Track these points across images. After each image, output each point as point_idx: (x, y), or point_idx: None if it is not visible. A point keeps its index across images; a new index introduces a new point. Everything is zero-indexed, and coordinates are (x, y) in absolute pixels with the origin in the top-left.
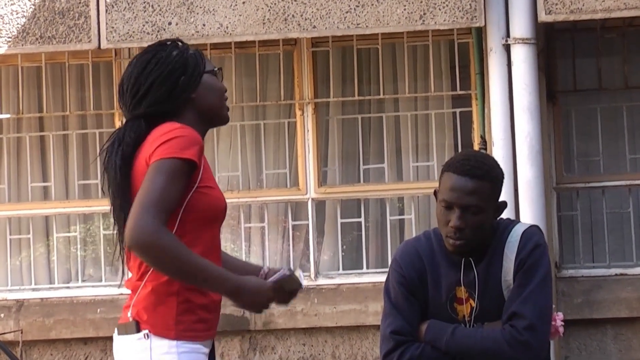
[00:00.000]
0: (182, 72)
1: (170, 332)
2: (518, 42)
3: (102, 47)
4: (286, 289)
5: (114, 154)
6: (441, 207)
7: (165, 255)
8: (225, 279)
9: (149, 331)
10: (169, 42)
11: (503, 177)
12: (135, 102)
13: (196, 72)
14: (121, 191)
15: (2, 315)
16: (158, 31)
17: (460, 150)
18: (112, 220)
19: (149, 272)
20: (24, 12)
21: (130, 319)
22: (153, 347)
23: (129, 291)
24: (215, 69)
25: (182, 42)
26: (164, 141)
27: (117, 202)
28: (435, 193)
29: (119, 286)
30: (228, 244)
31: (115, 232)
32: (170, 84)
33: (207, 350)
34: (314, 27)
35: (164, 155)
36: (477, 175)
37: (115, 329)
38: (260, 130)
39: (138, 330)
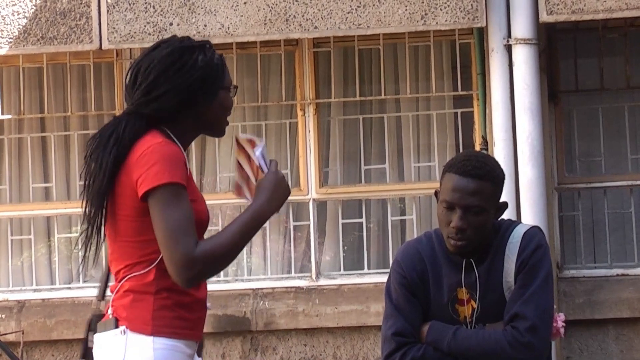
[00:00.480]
0: (200, 87)
1: (147, 327)
2: (519, 43)
3: (103, 47)
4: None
5: (107, 152)
6: (442, 207)
7: (218, 263)
8: (256, 211)
9: (126, 327)
10: (196, 44)
11: (504, 178)
12: (144, 100)
13: (214, 87)
14: (103, 192)
15: (4, 315)
16: (159, 32)
17: (461, 150)
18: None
19: (128, 276)
20: (26, 12)
21: (110, 317)
22: (129, 342)
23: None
24: (232, 86)
25: (210, 44)
26: (149, 167)
27: (95, 204)
28: (436, 194)
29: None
30: None
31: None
32: (185, 97)
33: (189, 351)
34: (316, 27)
35: (155, 183)
36: (479, 175)
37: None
38: (262, 130)
39: (116, 327)
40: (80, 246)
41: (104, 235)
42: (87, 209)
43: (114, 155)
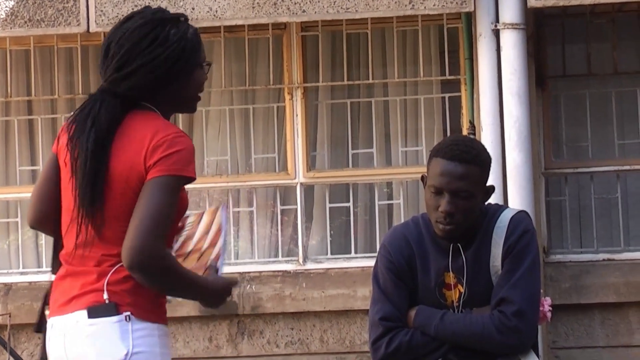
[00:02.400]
0: (175, 61)
1: (151, 315)
2: (507, 28)
3: (91, 30)
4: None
5: (86, 137)
6: (430, 192)
7: (166, 279)
8: (208, 287)
9: (131, 313)
10: (169, 17)
11: (491, 161)
12: (117, 76)
13: (190, 64)
14: (90, 178)
15: None
16: None
17: (449, 135)
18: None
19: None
20: None
21: (107, 301)
22: (134, 329)
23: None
24: (206, 63)
25: (185, 17)
26: (169, 153)
27: (83, 188)
28: (422, 178)
29: None
30: None
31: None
32: (159, 74)
33: None
34: (304, 11)
35: (170, 172)
36: (466, 159)
37: (68, 313)
38: (249, 114)
39: (117, 312)
40: (77, 231)
41: (97, 217)
42: (79, 193)
43: (93, 140)
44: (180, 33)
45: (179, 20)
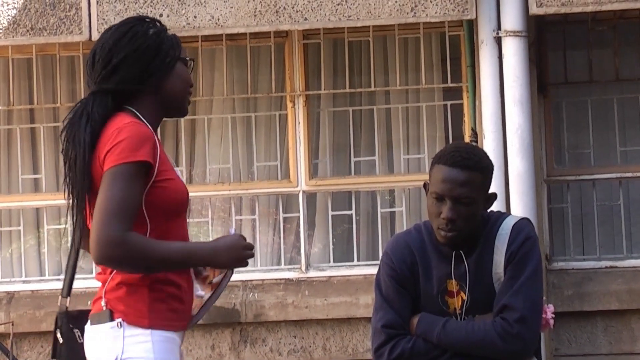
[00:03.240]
0: (156, 53)
1: (144, 320)
2: (509, 35)
3: (93, 38)
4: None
5: (83, 130)
6: (432, 199)
7: (137, 260)
8: (199, 249)
9: (122, 319)
10: (147, 19)
11: (493, 168)
12: (105, 73)
13: (170, 55)
14: (86, 170)
15: None
16: None
17: (451, 142)
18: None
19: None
20: (15, 3)
21: (104, 309)
22: (126, 335)
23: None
24: (189, 58)
25: (160, 22)
26: (114, 144)
27: (78, 180)
28: (425, 185)
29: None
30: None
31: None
32: (142, 63)
33: (179, 342)
34: (305, 19)
35: (117, 161)
36: (468, 166)
37: (88, 321)
38: (251, 122)
39: (111, 319)
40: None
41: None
42: (71, 193)
43: (89, 132)
44: (158, 30)
45: (156, 22)
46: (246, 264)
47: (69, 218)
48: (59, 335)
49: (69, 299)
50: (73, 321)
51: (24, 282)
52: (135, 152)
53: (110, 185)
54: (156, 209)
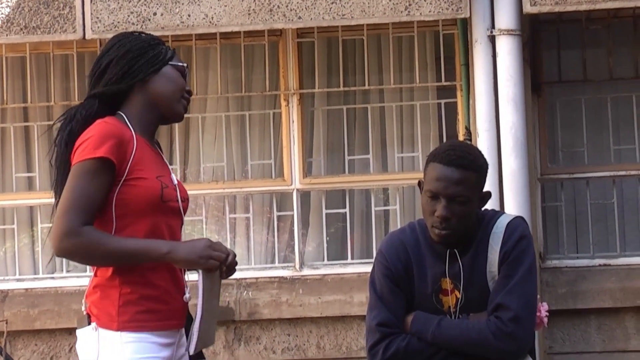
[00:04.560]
0: (141, 54)
1: (112, 323)
2: (503, 34)
3: (86, 37)
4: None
5: (63, 130)
6: (427, 197)
7: (91, 252)
8: (156, 243)
9: (96, 324)
10: (143, 34)
11: (487, 167)
12: (94, 81)
13: (157, 59)
14: (64, 169)
15: None
16: (143, 21)
17: (445, 141)
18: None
19: (96, 268)
20: (9, 1)
21: (84, 313)
22: (101, 338)
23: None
24: (182, 64)
25: (156, 36)
26: (81, 142)
27: (59, 180)
28: (419, 184)
29: None
30: (213, 235)
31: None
32: (125, 63)
33: (165, 341)
34: (299, 17)
35: (79, 158)
36: (463, 165)
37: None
38: (245, 121)
39: (89, 323)
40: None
41: None
42: (54, 189)
43: (68, 131)
44: (149, 39)
45: (150, 34)
46: (211, 265)
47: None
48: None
49: None
50: None
51: (17, 280)
52: (95, 149)
53: (71, 181)
54: (125, 207)
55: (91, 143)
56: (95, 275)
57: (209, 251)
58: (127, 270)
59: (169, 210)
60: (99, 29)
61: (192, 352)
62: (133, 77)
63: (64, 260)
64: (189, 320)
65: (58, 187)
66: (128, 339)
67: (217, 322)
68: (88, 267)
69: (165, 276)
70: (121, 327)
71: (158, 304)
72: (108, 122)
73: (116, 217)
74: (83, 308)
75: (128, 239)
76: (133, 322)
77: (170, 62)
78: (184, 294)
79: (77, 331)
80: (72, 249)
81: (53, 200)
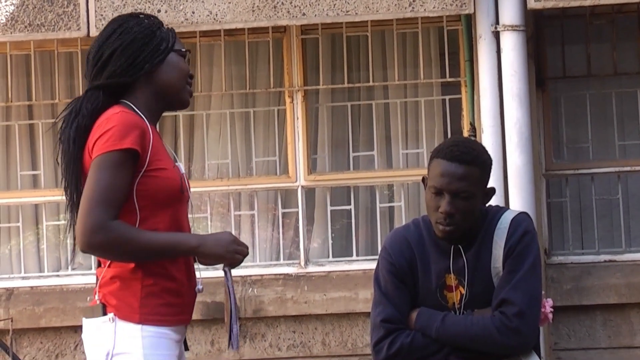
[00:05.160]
0: (145, 44)
1: (134, 315)
2: (507, 29)
3: (91, 35)
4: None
5: (69, 127)
6: (431, 193)
7: (121, 247)
8: (184, 238)
9: (114, 314)
10: (141, 15)
11: (491, 163)
12: (96, 71)
13: (161, 46)
14: (74, 166)
15: None
16: None
17: (449, 137)
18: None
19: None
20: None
21: (98, 302)
22: (117, 330)
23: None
24: (184, 50)
25: (155, 18)
26: (102, 133)
27: (69, 177)
28: (423, 180)
29: None
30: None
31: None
32: (130, 54)
33: (177, 337)
34: (304, 14)
35: (103, 149)
36: (467, 160)
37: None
38: (250, 117)
39: (104, 313)
40: (68, 230)
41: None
42: (64, 187)
43: (75, 127)
44: (150, 24)
45: (150, 17)
46: (237, 260)
47: (68, 215)
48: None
49: None
50: None
51: (23, 278)
52: (121, 140)
53: (96, 174)
54: (147, 198)
55: (115, 134)
56: (109, 266)
57: (235, 245)
58: (149, 261)
59: (184, 200)
60: (103, 27)
61: (236, 347)
62: (139, 69)
63: (69, 258)
64: None
65: (70, 186)
66: (148, 333)
67: (223, 319)
68: (93, 265)
69: (181, 268)
70: (143, 320)
71: (176, 298)
72: (127, 111)
73: (139, 208)
74: (96, 297)
75: (157, 233)
76: (155, 314)
77: (174, 49)
78: (197, 285)
79: (87, 320)
80: (102, 244)
81: (64, 198)
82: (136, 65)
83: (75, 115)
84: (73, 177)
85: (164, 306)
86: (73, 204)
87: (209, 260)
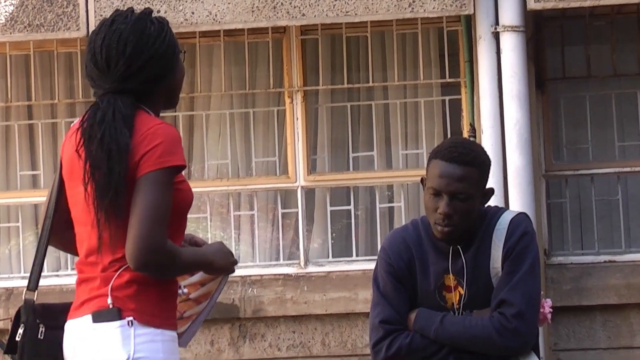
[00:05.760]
0: (172, 52)
1: (155, 319)
2: (507, 30)
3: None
4: None
5: (119, 132)
6: (429, 194)
7: (170, 267)
8: (206, 254)
9: (134, 318)
10: (147, 12)
11: (490, 164)
12: (127, 74)
13: (176, 52)
14: (117, 184)
15: None
16: None
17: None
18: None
19: (126, 265)
20: (12, 0)
21: (111, 306)
22: (136, 334)
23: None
24: (182, 51)
25: (163, 18)
26: (150, 148)
27: (108, 193)
28: (422, 181)
29: None
30: (218, 232)
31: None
32: (166, 62)
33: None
34: (303, 15)
35: (156, 166)
36: (465, 161)
37: (78, 317)
38: (250, 118)
39: (120, 317)
40: (97, 235)
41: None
42: (101, 198)
43: (116, 140)
44: (162, 26)
45: (151, 14)
46: (233, 271)
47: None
48: (21, 330)
49: (35, 292)
50: (39, 316)
51: (22, 278)
52: (172, 156)
53: (151, 192)
54: (174, 212)
55: (166, 149)
56: (122, 269)
57: (232, 257)
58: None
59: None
60: None
61: (184, 346)
62: (170, 77)
63: (69, 257)
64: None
65: (111, 201)
66: (167, 337)
67: (222, 319)
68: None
69: None
70: (163, 324)
71: (175, 301)
72: (165, 123)
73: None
74: (109, 301)
75: (189, 249)
76: (171, 319)
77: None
78: (180, 288)
79: (95, 325)
80: (157, 265)
81: (98, 215)
82: (167, 73)
83: (123, 120)
84: (114, 193)
85: (173, 310)
86: (106, 219)
87: (216, 273)
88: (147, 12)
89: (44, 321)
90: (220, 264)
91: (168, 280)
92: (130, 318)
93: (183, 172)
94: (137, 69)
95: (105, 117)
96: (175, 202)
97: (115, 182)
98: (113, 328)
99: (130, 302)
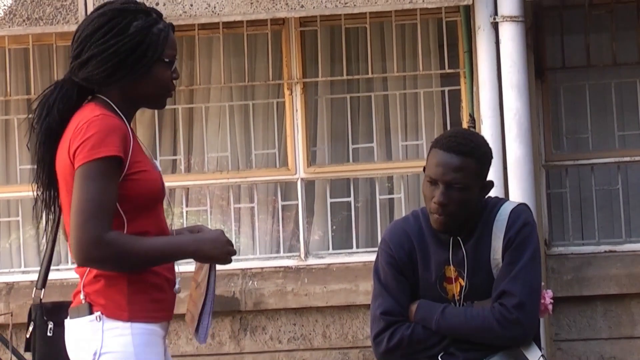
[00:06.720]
0: (129, 54)
1: (123, 313)
2: (506, 20)
3: None
4: None
5: (40, 126)
6: (427, 183)
7: (123, 259)
8: (183, 242)
9: (102, 313)
10: (134, 9)
11: (491, 156)
12: (76, 64)
13: (147, 59)
14: (43, 165)
15: None
16: None
17: (449, 128)
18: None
19: None
20: None
21: (83, 302)
22: (105, 328)
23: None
24: (168, 60)
25: (157, 13)
26: (84, 140)
27: (40, 176)
28: (424, 170)
29: None
30: (218, 225)
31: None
32: (109, 66)
33: (162, 333)
34: (302, 6)
35: (88, 158)
36: (463, 152)
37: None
38: (249, 110)
39: (90, 313)
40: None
41: (58, 212)
42: (36, 185)
43: (45, 127)
44: (142, 25)
45: (148, 13)
46: (230, 261)
47: (41, 212)
48: (31, 327)
49: (43, 290)
50: (47, 313)
51: (23, 272)
52: (105, 147)
53: (84, 184)
54: (130, 202)
55: (98, 141)
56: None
57: (229, 246)
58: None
59: (163, 200)
60: None
61: (203, 341)
62: (116, 81)
63: (69, 251)
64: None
65: (42, 186)
66: (138, 330)
67: (223, 312)
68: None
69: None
70: (132, 317)
71: (160, 293)
72: (106, 114)
73: (123, 212)
74: (81, 297)
75: (153, 239)
76: (144, 311)
77: (159, 58)
78: (174, 285)
79: (69, 321)
80: (103, 258)
81: (35, 194)
82: (113, 76)
83: (47, 113)
84: (44, 176)
85: (151, 302)
86: (44, 202)
87: (203, 262)
88: (140, 8)
89: (52, 318)
90: (209, 253)
91: (140, 273)
92: (99, 313)
93: (157, 164)
94: (83, 62)
95: (37, 107)
96: (131, 193)
97: (41, 174)
98: (84, 323)
99: (99, 298)
